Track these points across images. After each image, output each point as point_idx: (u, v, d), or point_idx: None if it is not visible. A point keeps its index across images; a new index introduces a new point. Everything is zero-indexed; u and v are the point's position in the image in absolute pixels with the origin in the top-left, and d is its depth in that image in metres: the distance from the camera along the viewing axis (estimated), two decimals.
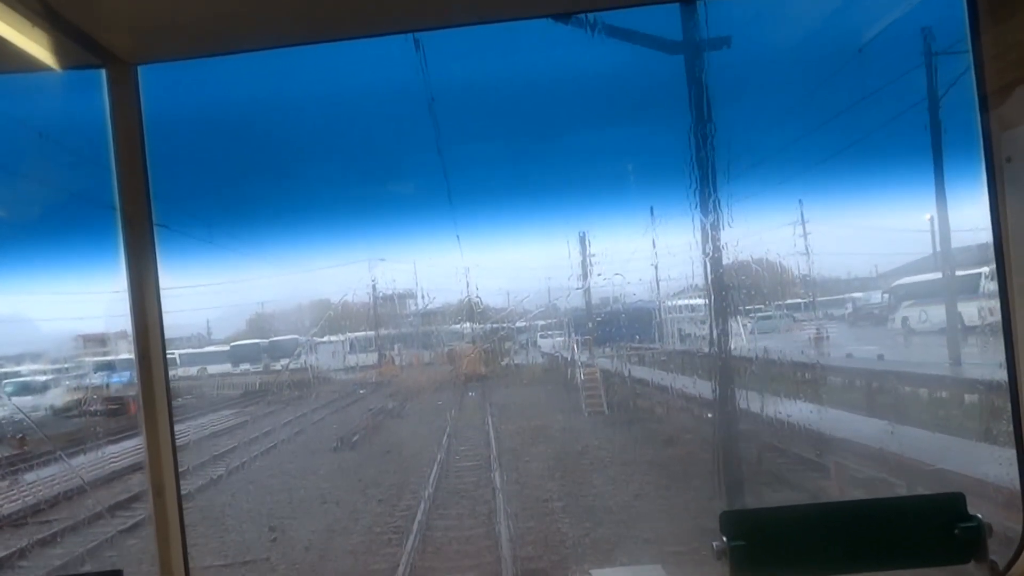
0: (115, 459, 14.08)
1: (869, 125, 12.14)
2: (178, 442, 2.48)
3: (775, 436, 11.19)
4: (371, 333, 22.16)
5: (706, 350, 12.58)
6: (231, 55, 2.49)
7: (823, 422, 10.92)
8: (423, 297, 18.89)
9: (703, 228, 10.20)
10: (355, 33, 2.44)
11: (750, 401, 11.42)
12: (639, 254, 14.34)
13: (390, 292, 20.05)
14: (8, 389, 18.17)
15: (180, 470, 2.49)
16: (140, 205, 2.44)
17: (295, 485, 13.01)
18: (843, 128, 11.89)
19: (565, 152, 15.19)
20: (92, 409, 16.99)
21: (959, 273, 14.92)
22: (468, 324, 18.37)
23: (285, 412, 17.72)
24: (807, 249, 15.94)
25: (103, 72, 2.40)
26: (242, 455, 14.72)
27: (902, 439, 9.77)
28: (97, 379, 18.65)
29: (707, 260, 10.90)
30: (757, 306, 16.88)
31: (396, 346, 22.56)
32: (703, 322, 14.09)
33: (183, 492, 2.54)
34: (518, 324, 18.91)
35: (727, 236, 10.26)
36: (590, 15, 7.46)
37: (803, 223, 16.09)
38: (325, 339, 20.67)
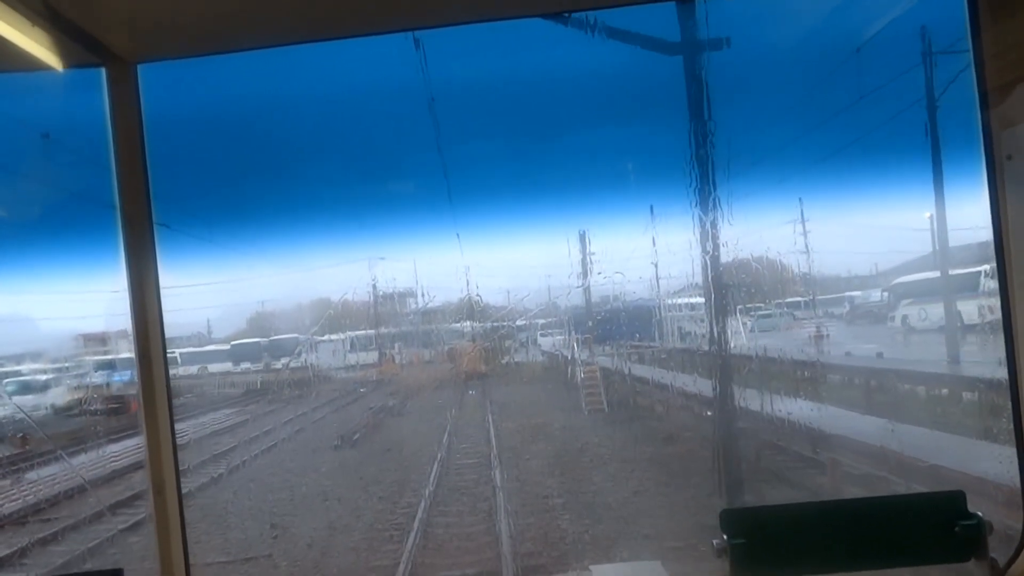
0: (116, 458, 14.10)
1: (869, 123, 12.15)
2: (180, 440, 2.49)
3: (775, 434, 11.21)
4: (371, 332, 22.17)
5: (706, 348, 12.58)
6: (231, 54, 2.49)
7: (823, 420, 10.93)
8: (423, 296, 18.90)
9: (703, 226, 10.21)
10: (355, 32, 2.44)
11: (750, 399, 11.43)
12: (639, 252, 14.36)
13: (390, 291, 20.09)
14: (9, 388, 18.19)
15: (182, 468, 2.50)
16: (140, 204, 2.44)
17: (297, 483, 13.03)
18: (843, 126, 11.90)
19: (565, 151, 15.21)
20: (93, 408, 17.02)
21: (959, 271, 14.92)
22: (468, 322, 18.40)
23: (286, 410, 17.73)
24: (807, 247, 15.94)
25: (103, 71, 2.40)
26: (243, 453, 14.73)
27: (902, 437, 9.79)
28: (98, 378, 18.67)
29: (707, 258, 10.91)
30: (757, 304, 16.89)
31: (396, 344, 22.57)
32: (703, 320, 14.09)
33: (186, 490, 2.55)
34: (518, 322, 18.93)
35: (727, 234, 10.28)
36: (590, 15, 7.46)
37: (803, 221, 16.09)
38: (325, 338, 20.69)
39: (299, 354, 19.84)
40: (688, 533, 8.78)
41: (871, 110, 11.52)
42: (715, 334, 11.20)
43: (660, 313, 18.70)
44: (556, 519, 10.12)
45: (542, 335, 21.53)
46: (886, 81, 11.98)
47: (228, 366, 23.95)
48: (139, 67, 2.43)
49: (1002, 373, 2.23)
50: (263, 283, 23.31)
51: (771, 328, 17.15)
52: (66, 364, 19.60)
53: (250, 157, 14.58)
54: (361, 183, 16.62)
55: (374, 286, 19.62)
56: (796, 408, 11.25)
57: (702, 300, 13.58)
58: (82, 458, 14.38)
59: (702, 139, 9.29)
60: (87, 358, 19.66)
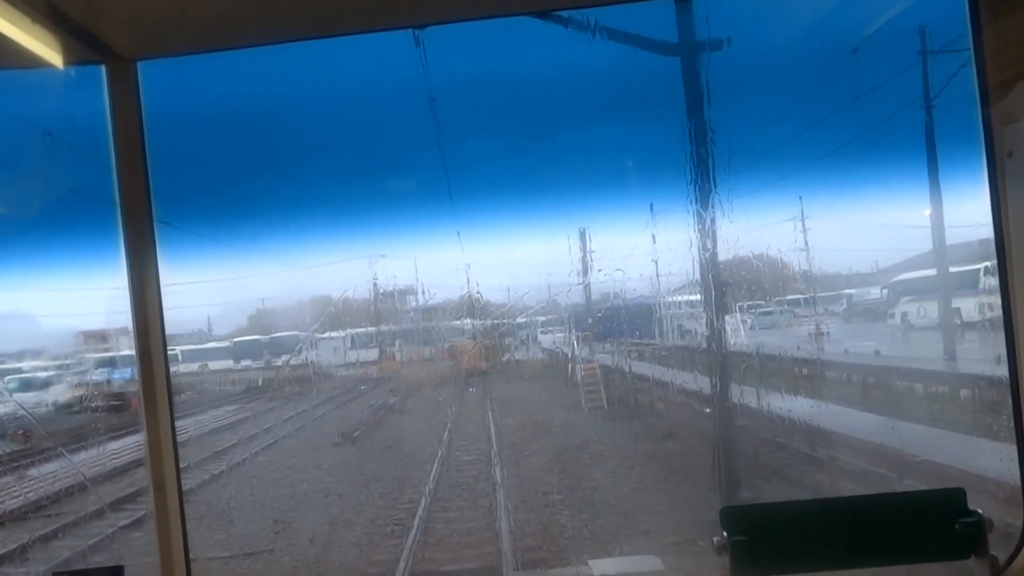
0: (118, 455, 14.13)
1: (869, 121, 12.12)
2: (181, 438, 2.50)
3: (775, 431, 11.22)
4: (372, 329, 22.17)
5: (706, 346, 12.59)
6: (231, 51, 2.48)
7: (823, 417, 10.94)
8: (424, 293, 18.89)
9: (703, 224, 10.21)
10: (355, 29, 2.44)
11: (750, 397, 11.44)
12: (639, 250, 14.32)
13: (391, 288, 20.08)
14: (10, 386, 18.21)
15: (183, 465, 2.51)
16: (140, 201, 2.44)
17: (298, 479, 13.06)
18: (844, 124, 11.87)
19: (565, 148, 15.18)
20: (94, 405, 17.04)
21: (959, 268, 14.91)
22: (468, 320, 18.39)
23: (287, 408, 17.75)
24: (807, 245, 15.92)
25: (103, 68, 2.40)
26: (245, 450, 14.76)
27: (902, 434, 9.79)
28: (98, 375, 18.68)
29: (707, 256, 10.90)
30: (757, 302, 16.88)
31: (397, 342, 22.58)
32: (703, 318, 14.09)
33: (188, 487, 2.56)
34: (518, 320, 18.92)
35: (727, 232, 10.27)
36: (590, 15, 7.45)
37: (803, 219, 16.07)
38: (326, 335, 20.69)
39: (300, 351, 19.85)
40: (686, 529, 8.81)
41: (871, 107, 11.50)
42: (715, 331, 11.21)
43: (660, 310, 18.69)
44: (556, 515, 10.15)
45: (542, 332, 21.52)
46: (887, 78, 11.96)
47: (229, 363, 23.97)
48: (139, 64, 2.43)
49: (1002, 370, 2.23)
50: (263, 280, 23.32)
51: (771, 325, 17.15)
52: (67, 361, 19.61)
53: (250, 154, 14.58)
54: (362, 180, 16.60)
55: (375, 283, 19.64)
56: (796, 405, 11.26)
57: (702, 297, 13.58)
58: (84, 455, 14.40)
59: (702, 136, 9.28)
60: (88, 355, 19.67)
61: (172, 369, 2.57)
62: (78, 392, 18.15)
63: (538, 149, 15.70)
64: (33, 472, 13.21)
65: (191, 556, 2.45)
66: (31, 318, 19.27)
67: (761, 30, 10.36)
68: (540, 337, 21.61)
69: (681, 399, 14.47)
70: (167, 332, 2.51)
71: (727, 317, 12.03)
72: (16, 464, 13.54)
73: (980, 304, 14.02)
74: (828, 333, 16.97)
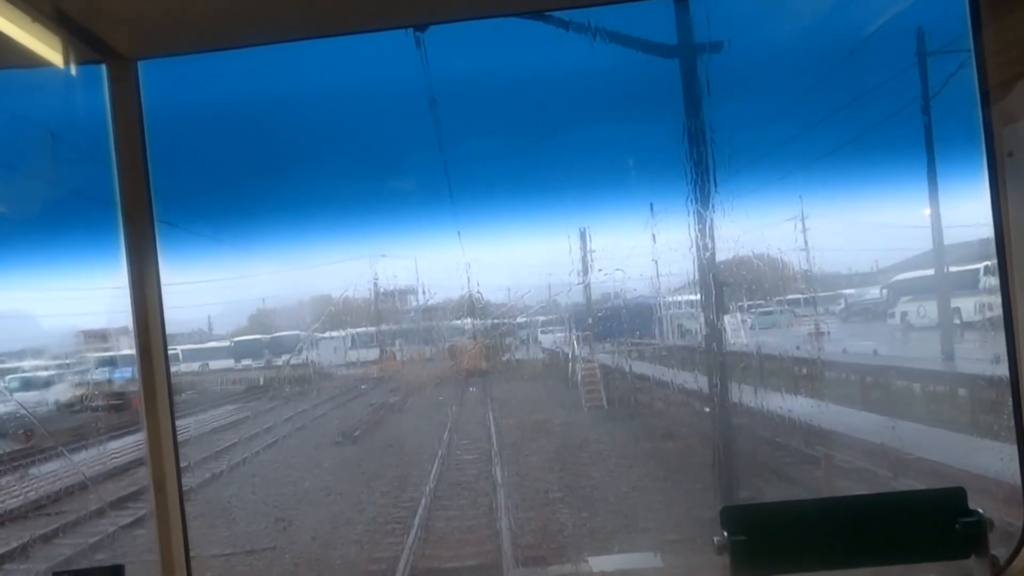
0: (118, 454, 14.14)
1: (869, 120, 12.11)
2: (181, 437, 2.50)
3: (774, 430, 11.22)
4: (372, 329, 22.17)
5: (706, 346, 12.59)
6: (232, 50, 2.49)
7: (823, 416, 10.95)
8: (424, 293, 18.89)
9: (703, 224, 10.21)
10: (356, 28, 2.44)
11: (750, 396, 11.44)
12: (639, 250, 14.31)
13: (391, 288, 20.08)
14: (11, 385, 18.22)
15: (184, 464, 2.51)
16: (141, 201, 2.44)
17: (299, 478, 13.08)
18: (844, 123, 11.85)
19: (566, 148, 15.18)
20: (95, 404, 17.05)
21: (959, 268, 14.91)
22: (469, 320, 18.39)
23: (287, 407, 17.76)
24: (807, 245, 15.92)
25: (104, 68, 2.40)
26: (246, 449, 14.77)
27: (901, 434, 9.80)
28: (99, 375, 18.69)
29: (707, 256, 10.91)
30: (757, 301, 16.88)
31: (397, 342, 22.59)
32: (703, 318, 14.09)
33: (189, 486, 2.57)
34: (519, 320, 18.91)
35: (727, 231, 10.28)
36: (590, 16, 7.46)
37: (803, 219, 16.06)
38: (326, 335, 20.69)
39: (300, 351, 19.85)
40: (685, 527, 8.83)
41: (871, 107, 11.49)
42: (715, 331, 11.21)
43: (660, 310, 18.68)
44: (556, 513, 10.17)
45: (542, 332, 21.52)
46: (887, 78, 11.95)
47: (229, 363, 23.97)
48: (140, 64, 2.43)
49: (1001, 370, 2.23)
50: (264, 280, 23.29)
51: (772, 325, 17.15)
52: (67, 361, 19.61)
53: (251, 154, 14.58)
54: (362, 180, 16.60)
55: (375, 283, 19.64)
56: (796, 405, 11.27)
57: (702, 297, 13.58)
58: (85, 454, 14.42)
59: (702, 136, 9.29)
60: (88, 355, 19.68)
61: (172, 368, 2.58)
62: (79, 391, 18.16)
63: (538, 149, 15.69)
64: (34, 471, 13.22)
65: (192, 554, 2.45)
66: (32, 317, 19.29)
67: (761, 30, 10.35)
68: (540, 337, 21.61)
69: (681, 398, 14.48)
70: (167, 331, 2.51)
71: (727, 317, 12.04)
72: (17, 463, 13.55)
73: (980, 304, 14.02)
74: (828, 333, 16.97)
